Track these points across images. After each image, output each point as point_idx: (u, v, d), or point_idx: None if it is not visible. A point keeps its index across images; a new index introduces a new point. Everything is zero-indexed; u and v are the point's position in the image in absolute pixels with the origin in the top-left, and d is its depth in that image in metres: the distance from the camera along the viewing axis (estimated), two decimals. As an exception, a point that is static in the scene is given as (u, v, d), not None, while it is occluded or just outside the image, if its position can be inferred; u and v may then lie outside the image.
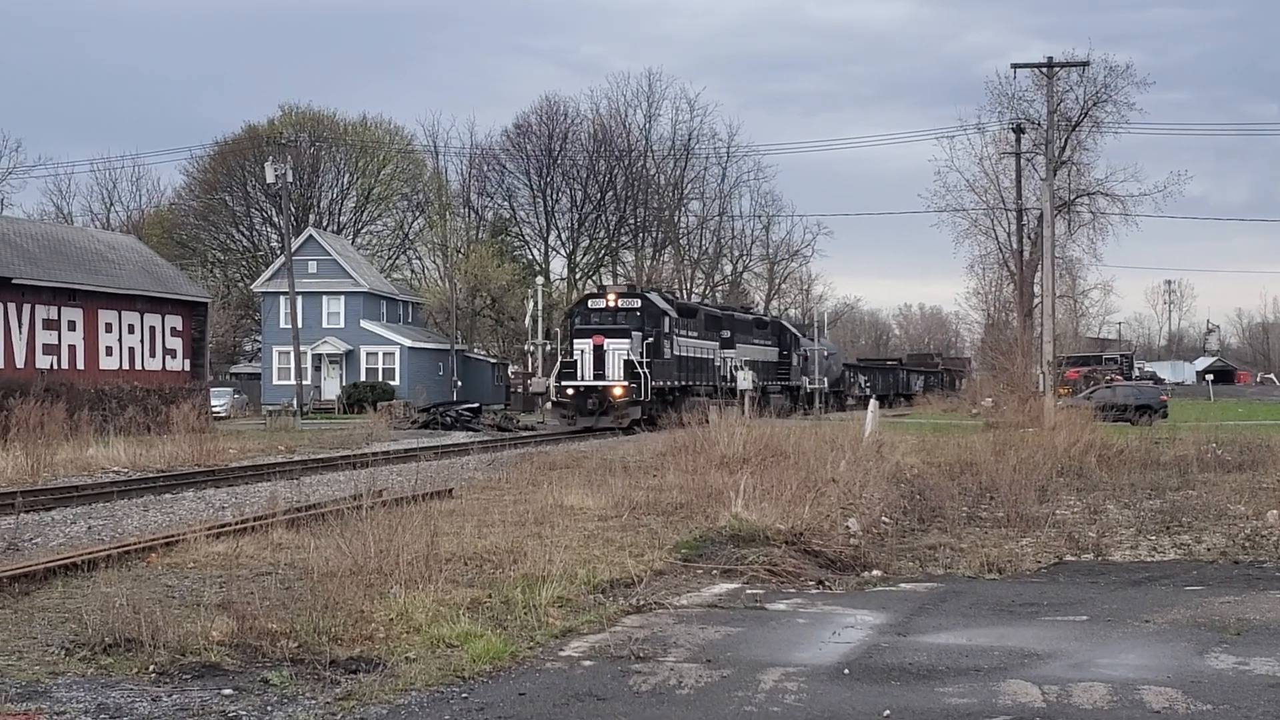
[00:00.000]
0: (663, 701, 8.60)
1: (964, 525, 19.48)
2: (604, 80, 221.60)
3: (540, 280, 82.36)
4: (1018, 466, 23.37)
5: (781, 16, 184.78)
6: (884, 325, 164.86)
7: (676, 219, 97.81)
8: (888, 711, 8.32)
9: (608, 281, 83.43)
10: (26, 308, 42.38)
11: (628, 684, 9.01)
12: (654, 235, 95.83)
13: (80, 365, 44.45)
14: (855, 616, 11.83)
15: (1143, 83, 66.17)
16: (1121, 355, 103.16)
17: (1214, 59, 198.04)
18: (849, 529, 17.23)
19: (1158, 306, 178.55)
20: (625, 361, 47.10)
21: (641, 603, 12.06)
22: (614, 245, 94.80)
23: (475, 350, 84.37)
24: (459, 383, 75.98)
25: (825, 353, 79.55)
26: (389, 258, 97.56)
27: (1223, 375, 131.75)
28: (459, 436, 45.28)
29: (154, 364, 48.40)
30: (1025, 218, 63.40)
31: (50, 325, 43.45)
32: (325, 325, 75.79)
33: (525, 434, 47.07)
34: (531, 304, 74.56)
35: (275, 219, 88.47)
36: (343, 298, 76.10)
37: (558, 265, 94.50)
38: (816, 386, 73.08)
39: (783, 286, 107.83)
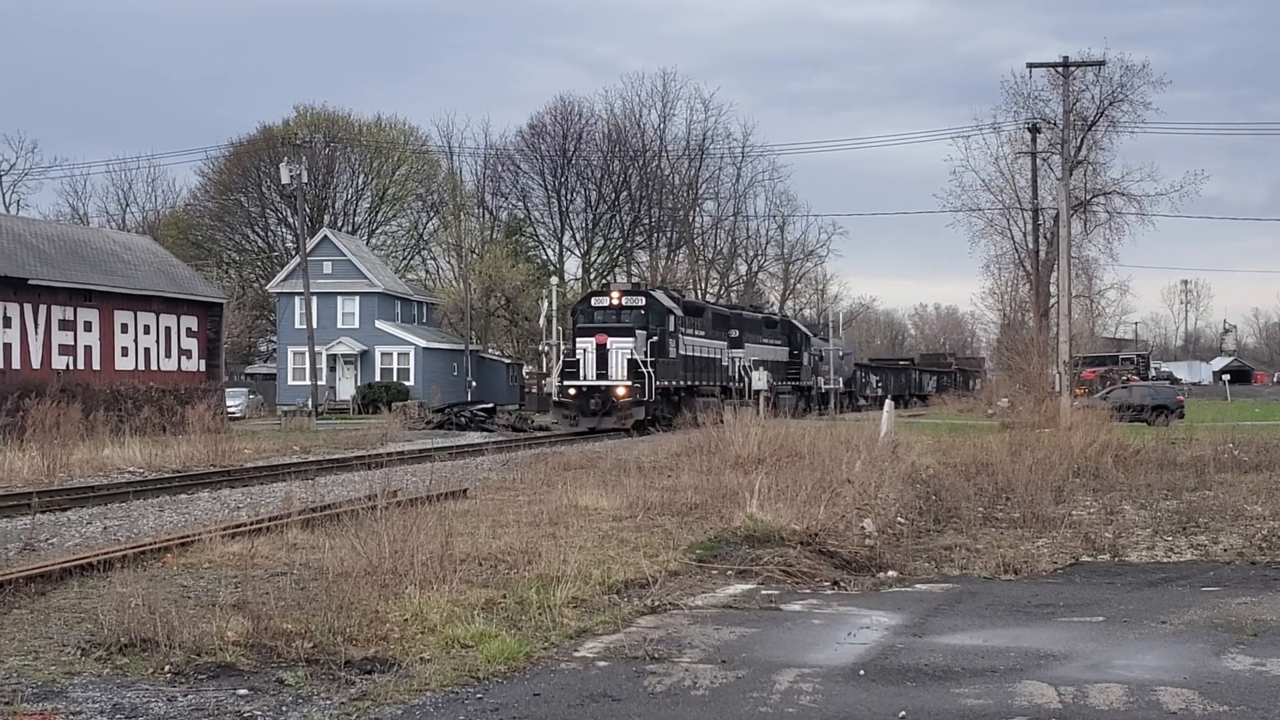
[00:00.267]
0: (678, 702, 8.59)
1: (980, 526, 19.44)
2: (619, 80, 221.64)
3: (555, 280, 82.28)
4: (1034, 467, 23.32)
5: (796, 16, 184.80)
6: (899, 325, 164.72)
7: (691, 219, 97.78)
8: (903, 712, 8.30)
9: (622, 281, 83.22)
10: (43, 308, 42.52)
11: (642, 685, 9.00)
12: (669, 235, 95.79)
13: (96, 366, 44.57)
14: (870, 617, 11.81)
15: (1159, 82, 66.05)
16: (1138, 355, 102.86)
17: (1230, 58, 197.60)
18: (864, 529, 17.20)
19: (1174, 306, 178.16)
20: (629, 361, 46.14)
21: (656, 603, 12.04)
22: (628, 245, 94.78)
23: (490, 351, 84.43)
24: (473, 383, 76.03)
25: (841, 353, 79.36)
26: (404, 258, 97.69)
27: (1239, 375, 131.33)
28: (473, 437, 45.34)
29: (169, 364, 48.51)
30: (1041, 217, 63.25)
31: (66, 326, 43.58)
32: (340, 326, 75.90)
33: (540, 434, 47.01)
34: (546, 304, 74.39)
35: (290, 220, 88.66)
36: (357, 298, 76.20)
37: (572, 265, 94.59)
38: (831, 386, 72.81)
39: (798, 286, 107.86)
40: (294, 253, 78.89)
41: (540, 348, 77.34)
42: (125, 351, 46.32)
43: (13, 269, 41.52)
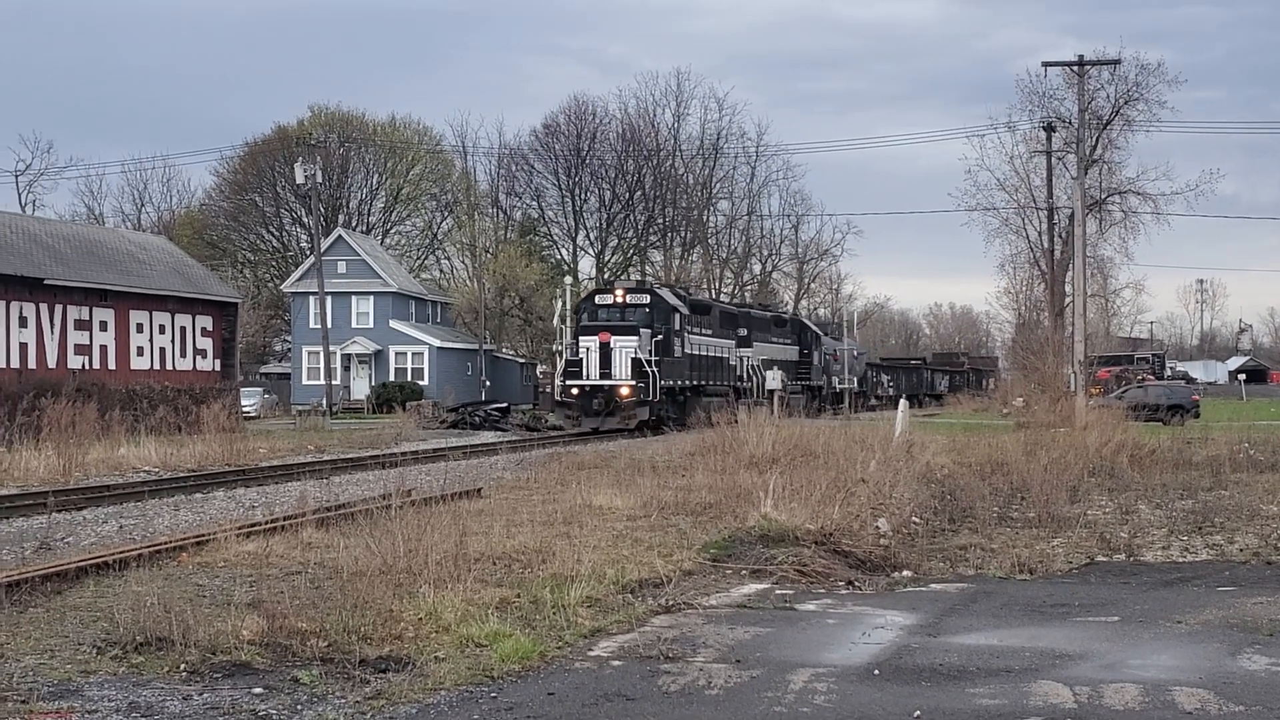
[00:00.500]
0: (692, 702, 8.59)
1: (995, 525, 19.41)
2: (632, 80, 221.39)
3: (569, 280, 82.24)
4: (1049, 466, 23.28)
5: (810, 15, 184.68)
6: (914, 325, 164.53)
7: (705, 218, 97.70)
8: (918, 712, 8.29)
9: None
10: (59, 308, 42.63)
11: (657, 684, 9.00)
12: (682, 235, 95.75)
13: (112, 365, 44.68)
14: (885, 617, 11.79)
15: (1174, 81, 66.02)
16: (1153, 355, 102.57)
17: (1244, 57, 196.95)
18: (879, 529, 17.18)
19: (1190, 306, 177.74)
20: (633, 360, 45.19)
21: (670, 603, 12.04)
22: (642, 245, 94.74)
23: (504, 350, 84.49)
24: (487, 382, 76.10)
25: (855, 352, 79.20)
26: (418, 258, 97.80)
27: (1255, 375, 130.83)
28: (487, 436, 45.37)
29: (185, 364, 48.62)
30: (1056, 216, 63.11)
31: (82, 325, 43.70)
32: (354, 325, 76.03)
33: (553, 434, 46.91)
34: (560, 304, 74.42)
35: (305, 219, 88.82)
36: (372, 298, 76.31)
37: (586, 265, 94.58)
38: (846, 386, 72.62)
39: (812, 286, 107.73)
40: (308, 252, 79.05)
41: (554, 347, 77.37)
42: (141, 351, 46.43)
43: (29, 269, 41.65)
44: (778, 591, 13.10)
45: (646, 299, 47.93)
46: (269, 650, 9.53)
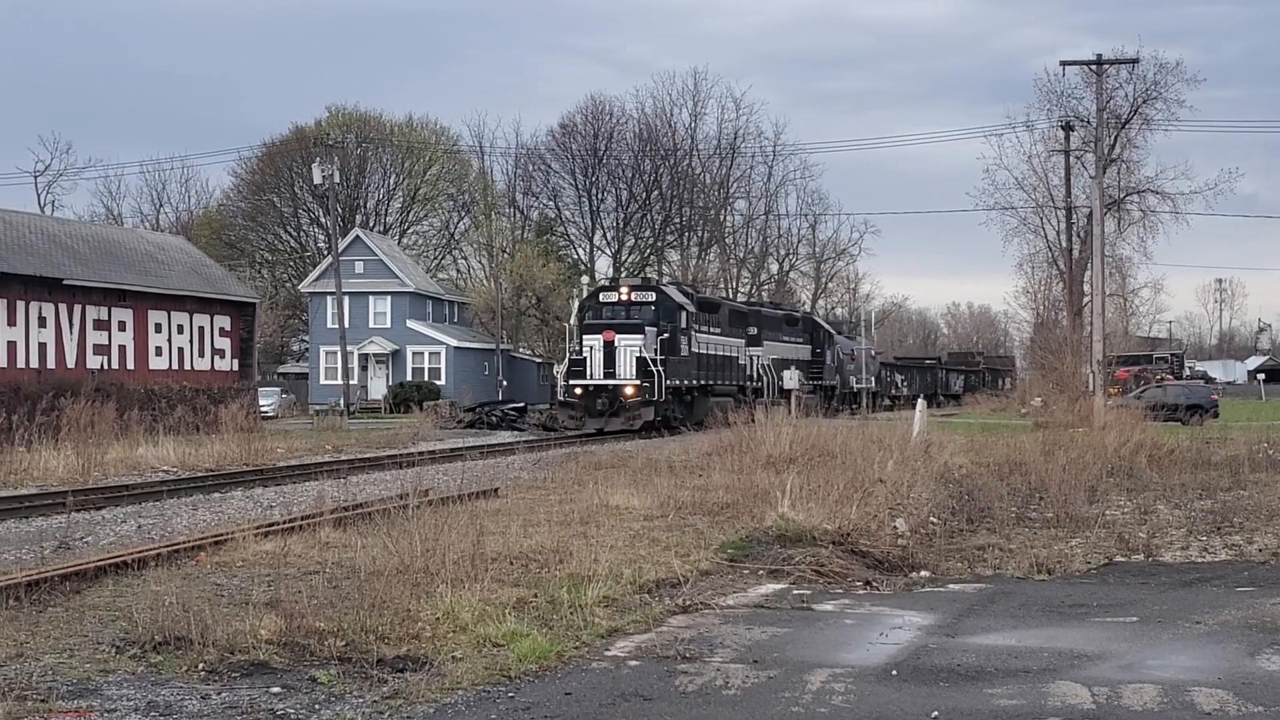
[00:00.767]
0: (709, 702, 8.58)
1: (1013, 526, 19.37)
2: (649, 79, 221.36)
3: (586, 280, 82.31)
4: (1067, 466, 23.23)
5: (827, 14, 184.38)
6: (932, 324, 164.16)
7: (722, 218, 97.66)
8: (936, 713, 8.27)
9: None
10: (77, 308, 42.79)
11: (674, 684, 8.99)
12: (699, 234, 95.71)
13: (130, 365, 44.84)
14: (903, 617, 11.77)
15: (1193, 80, 66.03)
16: (1172, 354, 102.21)
17: (1264, 56, 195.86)
18: (896, 529, 17.16)
19: (1208, 305, 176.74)
20: (638, 359, 44.02)
21: (687, 603, 12.04)
22: (659, 244, 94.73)
23: (520, 350, 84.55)
24: (504, 382, 76.17)
25: (873, 352, 78.98)
26: (435, 258, 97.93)
27: (1274, 374, 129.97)
28: (504, 436, 45.38)
29: (203, 364, 48.76)
30: (1074, 216, 62.99)
31: (101, 325, 43.85)
32: (372, 325, 76.15)
33: (570, 434, 46.85)
34: (576, 304, 74.51)
35: (322, 219, 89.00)
36: (389, 298, 76.43)
37: (603, 265, 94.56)
38: (864, 386, 72.35)
39: (829, 285, 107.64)
40: (326, 252, 79.20)
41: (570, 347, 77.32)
42: (159, 351, 46.58)
43: (48, 269, 41.82)
44: (795, 592, 13.08)
45: (652, 297, 46.89)
46: (287, 650, 9.55)
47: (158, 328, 46.60)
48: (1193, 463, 27.74)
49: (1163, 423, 40.80)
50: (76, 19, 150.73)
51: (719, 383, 50.78)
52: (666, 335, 45.35)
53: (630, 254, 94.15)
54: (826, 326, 70.40)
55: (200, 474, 27.33)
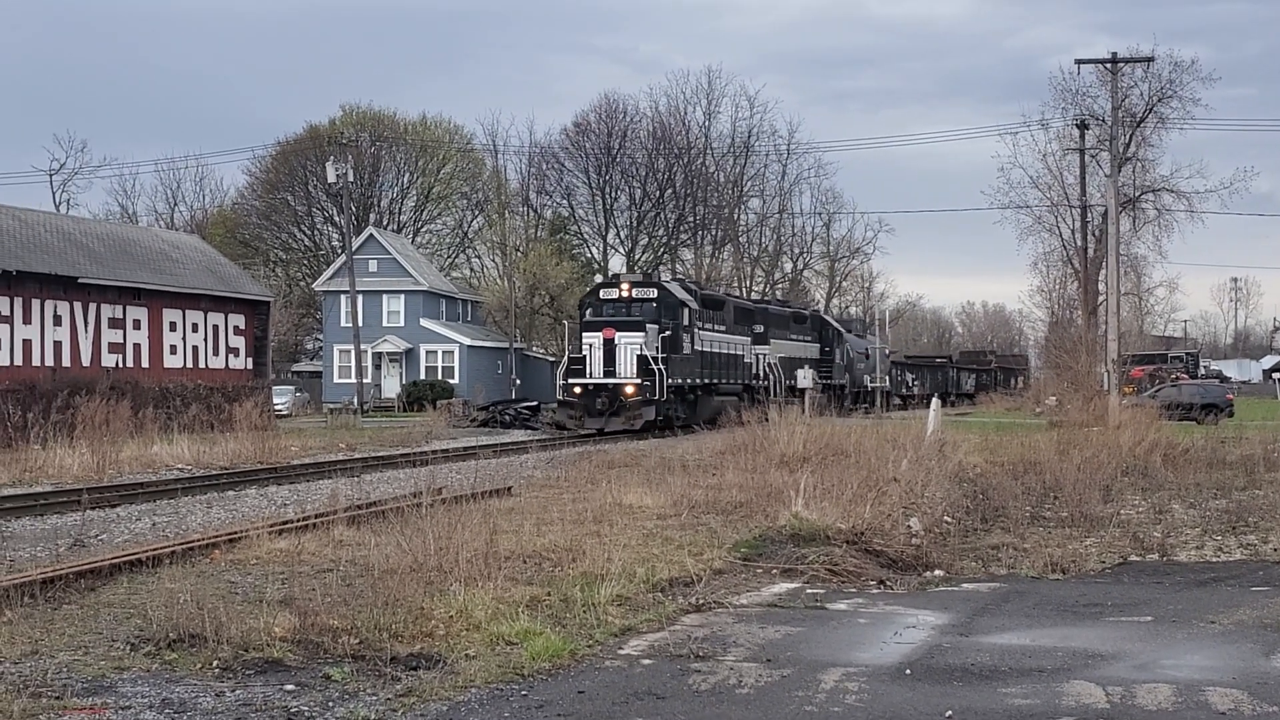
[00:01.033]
0: (722, 701, 8.57)
1: (1027, 525, 19.33)
2: (663, 78, 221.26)
3: (599, 279, 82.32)
4: (1082, 466, 23.17)
5: (842, 13, 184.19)
6: (946, 323, 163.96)
7: (736, 216, 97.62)
8: (950, 712, 8.26)
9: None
10: (92, 307, 42.91)
11: (687, 683, 8.99)
12: (713, 233, 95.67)
13: (145, 363, 44.95)
14: (917, 616, 11.75)
15: (1208, 78, 65.89)
16: (1187, 353, 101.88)
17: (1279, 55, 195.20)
18: (910, 528, 17.12)
19: (1224, 304, 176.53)
20: (639, 357, 42.93)
21: (701, 601, 12.03)
22: (673, 243, 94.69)
23: (534, 349, 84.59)
24: (518, 381, 76.19)
25: (887, 351, 78.79)
26: (448, 256, 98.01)
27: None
28: (517, 435, 45.34)
29: (217, 362, 48.88)
30: (1089, 214, 62.88)
31: (116, 324, 43.97)
32: (385, 324, 76.24)
33: (584, 432, 46.83)
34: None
35: (336, 218, 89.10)
36: (403, 296, 76.51)
37: (617, 263, 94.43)
38: (878, 385, 72.11)
39: (843, 284, 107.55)
40: (340, 251, 79.31)
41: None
42: (174, 349, 46.70)
43: (63, 268, 41.95)
44: (809, 591, 13.07)
45: (654, 293, 45.62)
46: (301, 647, 9.57)
47: (172, 326, 46.71)
48: (1208, 462, 27.67)
49: (1178, 422, 40.70)
50: (92, 19, 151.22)
51: (723, 382, 49.84)
52: (668, 333, 44.35)
53: (644, 253, 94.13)
54: (835, 325, 69.62)
55: (214, 472, 27.39)
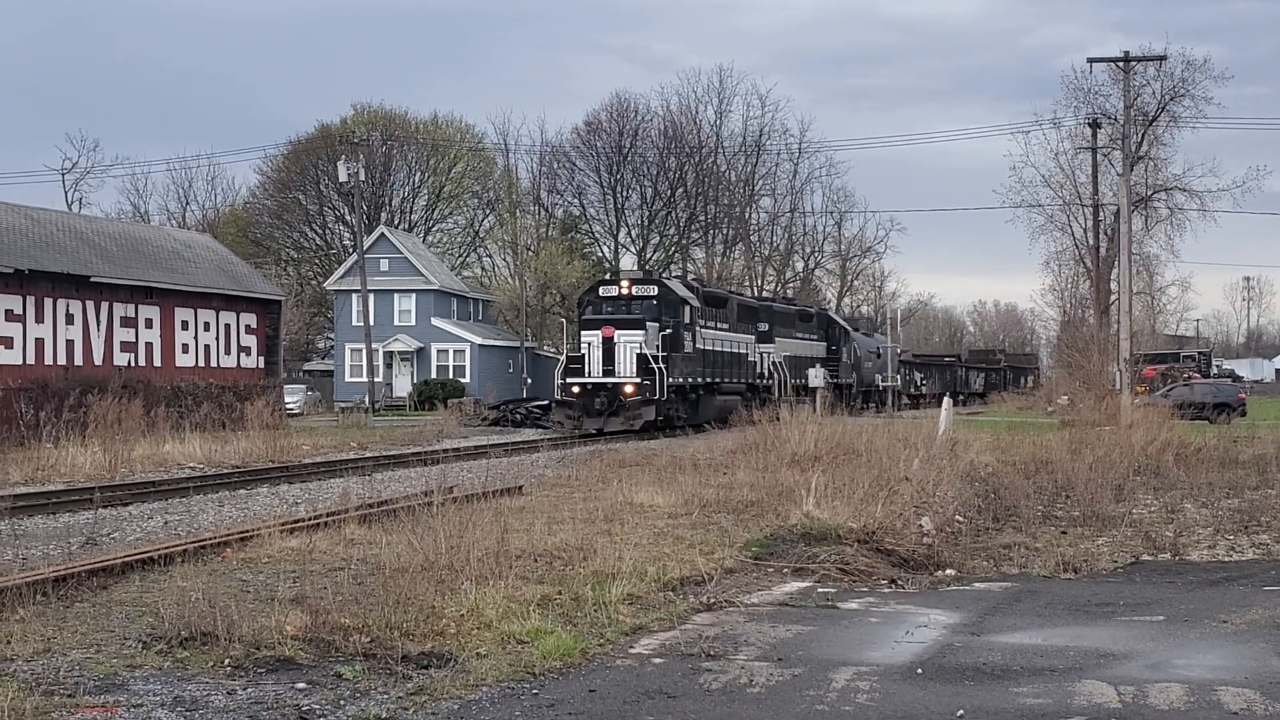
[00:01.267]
0: (733, 700, 8.57)
1: (1039, 524, 19.31)
2: (675, 77, 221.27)
3: (609, 277, 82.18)
4: (1094, 465, 23.17)
5: (855, 11, 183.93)
6: (958, 322, 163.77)
7: (747, 215, 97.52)
8: (961, 711, 8.25)
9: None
10: (105, 305, 42.99)
11: (698, 682, 8.99)
12: (724, 232, 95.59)
13: (157, 362, 45.04)
14: (928, 616, 11.74)
15: (1221, 77, 65.58)
16: (1199, 353, 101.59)
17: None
18: (922, 528, 17.11)
19: (1236, 303, 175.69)
20: (638, 355, 41.89)
21: (712, 600, 12.03)
22: (684, 242, 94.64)
23: (545, 347, 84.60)
24: (529, 380, 76.22)
25: (898, 350, 78.60)
26: (459, 255, 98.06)
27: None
28: (529, 433, 45.32)
29: (229, 361, 48.96)
30: (1102, 213, 62.78)
31: (128, 323, 44.06)
32: (397, 323, 76.30)
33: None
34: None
35: (348, 217, 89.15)
36: (414, 295, 76.55)
37: (628, 262, 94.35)
38: (890, 384, 71.90)
39: (855, 283, 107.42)
40: (351, 250, 79.36)
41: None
42: (185, 348, 46.79)
43: (75, 267, 42.04)
44: (820, 590, 13.06)
45: (654, 290, 44.60)
46: (312, 646, 9.58)
47: (184, 325, 46.80)
48: (1220, 461, 27.63)
49: (1190, 421, 40.61)
50: (103, 18, 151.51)
51: (726, 380, 49.05)
52: (669, 331, 43.39)
53: (655, 251, 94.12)
54: (842, 323, 68.73)
55: (226, 471, 27.44)
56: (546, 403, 57.16)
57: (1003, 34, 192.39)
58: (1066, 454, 25.78)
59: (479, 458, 30.28)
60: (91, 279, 42.20)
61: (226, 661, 9.17)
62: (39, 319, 40.48)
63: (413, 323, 76.51)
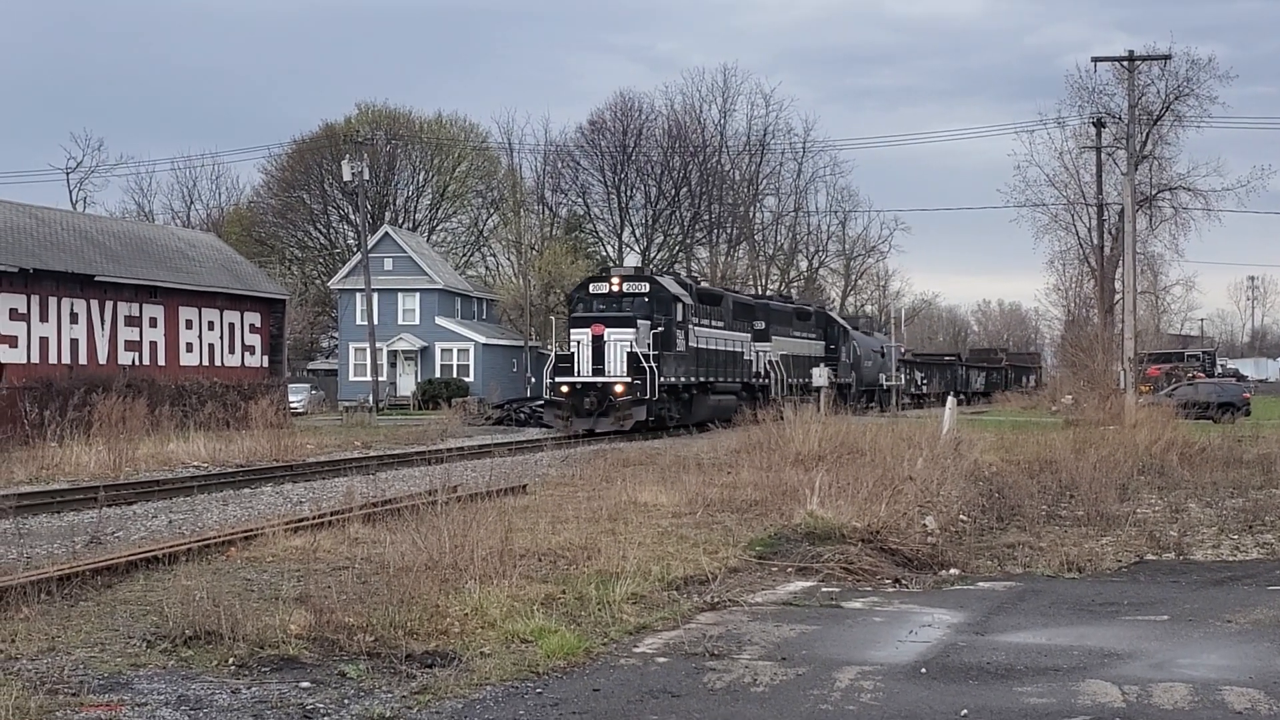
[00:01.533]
0: (737, 699, 8.57)
1: (1043, 523, 19.29)
2: (679, 76, 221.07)
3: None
4: (1098, 464, 23.14)
5: (859, 10, 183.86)
6: (962, 322, 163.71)
7: (751, 215, 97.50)
8: (965, 711, 8.24)
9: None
10: (109, 304, 43.03)
11: (702, 681, 8.99)
12: (729, 231, 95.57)
13: (161, 361, 45.07)
14: (932, 615, 11.73)
15: (1225, 76, 65.93)
16: (1204, 352, 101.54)
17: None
18: (926, 527, 17.10)
19: (1240, 303, 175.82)
20: (629, 354, 40.92)
21: (716, 600, 12.03)
22: (688, 241, 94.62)
23: (549, 347, 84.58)
24: (533, 379, 76.16)
25: (902, 349, 78.50)
26: (464, 255, 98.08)
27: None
28: (532, 433, 45.25)
29: (233, 360, 48.99)
30: (1106, 213, 62.75)
31: (132, 322, 44.09)
32: (401, 322, 76.36)
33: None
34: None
35: (352, 216, 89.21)
36: (418, 294, 76.61)
37: (632, 261, 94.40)
38: (894, 383, 71.77)
39: (859, 283, 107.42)
40: (355, 249, 79.45)
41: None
42: (190, 347, 46.81)
43: (80, 266, 42.08)
44: (824, 589, 13.06)
45: (645, 287, 43.52)
46: (316, 645, 9.59)
47: (188, 324, 46.83)
48: (1224, 461, 27.59)
49: (1194, 421, 40.58)
50: (108, 17, 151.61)
51: (721, 380, 48.13)
52: (661, 329, 42.42)
53: (659, 251, 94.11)
54: (841, 322, 68.00)
55: (230, 470, 27.45)
56: (547, 402, 57.00)
57: (1006, 33, 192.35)
58: (1071, 453, 25.75)
59: (483, 457, 30.30)
60: (96, 278, 42.24)
61: (231, 660, 9.17)
62: (44, 318, 40.51)
63: (417, 322, 76.55)
